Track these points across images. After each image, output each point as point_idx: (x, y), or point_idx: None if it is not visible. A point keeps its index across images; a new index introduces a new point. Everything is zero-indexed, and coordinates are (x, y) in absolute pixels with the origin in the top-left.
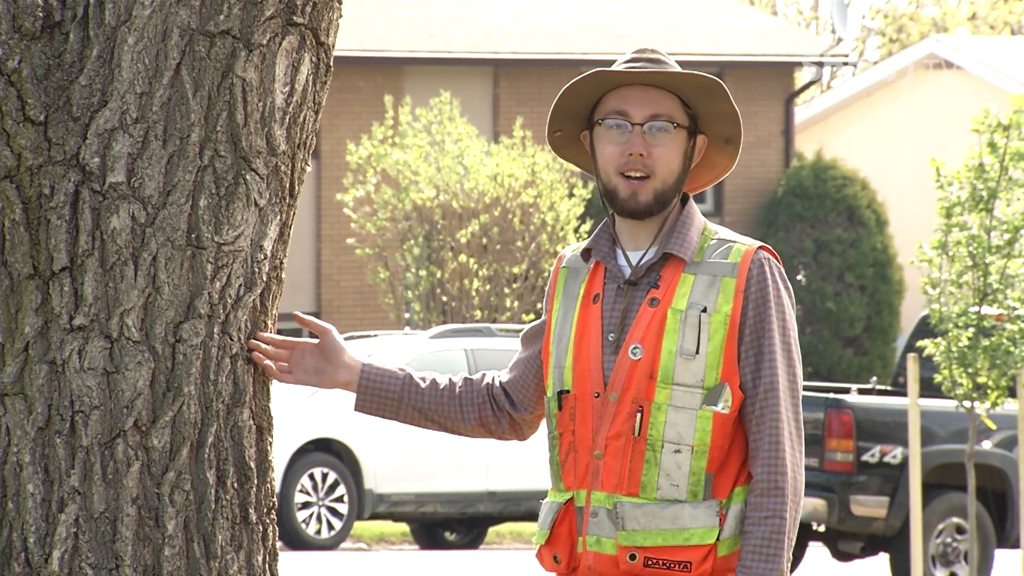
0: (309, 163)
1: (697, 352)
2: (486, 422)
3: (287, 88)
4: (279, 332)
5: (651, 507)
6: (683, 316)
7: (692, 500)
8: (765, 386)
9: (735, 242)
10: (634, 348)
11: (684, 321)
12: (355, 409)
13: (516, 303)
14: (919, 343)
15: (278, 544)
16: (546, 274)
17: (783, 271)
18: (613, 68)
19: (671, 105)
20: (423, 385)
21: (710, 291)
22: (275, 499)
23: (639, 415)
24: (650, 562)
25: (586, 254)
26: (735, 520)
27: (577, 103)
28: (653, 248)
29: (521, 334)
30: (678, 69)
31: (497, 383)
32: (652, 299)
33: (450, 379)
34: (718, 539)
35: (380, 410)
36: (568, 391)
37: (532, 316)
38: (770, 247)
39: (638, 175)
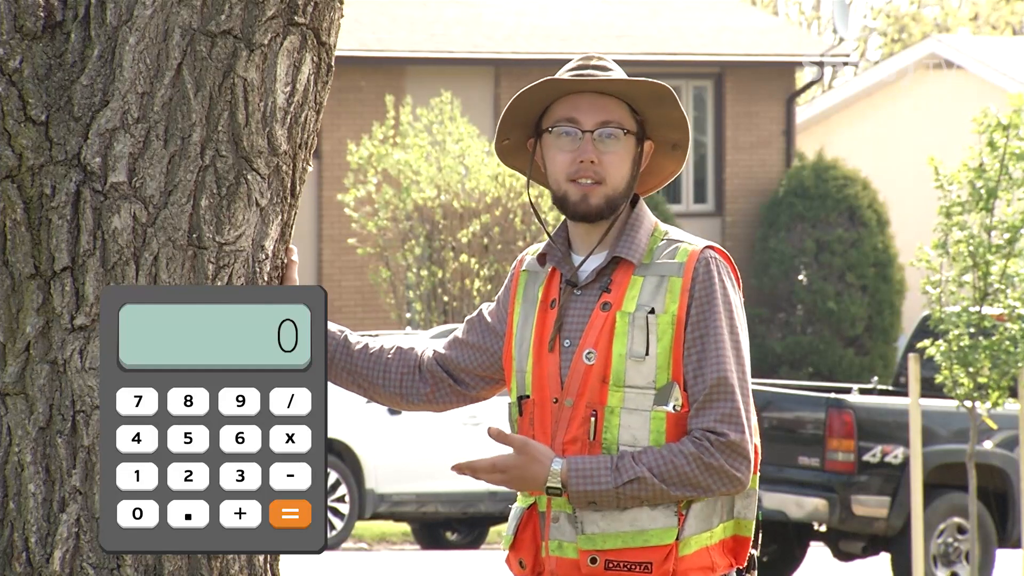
0: (310, 163)
1: (647, 354)
2: (405, 392)
3: (288, 88)
4: None
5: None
6: (631, 318)
7: None
8: (713, 381)
9: (683, 242)
10: (588, 353)
11: (633, 323)
12: None
13: None
14: (920, 343)
15: None
16: None
17: (732, 270)
18: (560, 75)
19: (620, 112)
20: (356, 347)
21: (658, 292)
22: None
23: (593, 419)
24: (611, 564)
25: (542, 259)
26: (696, 519)
27: (526, 111)
28: (603, 252)
29: (467, 318)
30: (624, 76)
31: (431, 356)
32: (604, 303)
33: (382, 344)
34: (679, 539)
35: None
36: (528, 396)
37: None
38: (719, 247)
39: (589, 181)
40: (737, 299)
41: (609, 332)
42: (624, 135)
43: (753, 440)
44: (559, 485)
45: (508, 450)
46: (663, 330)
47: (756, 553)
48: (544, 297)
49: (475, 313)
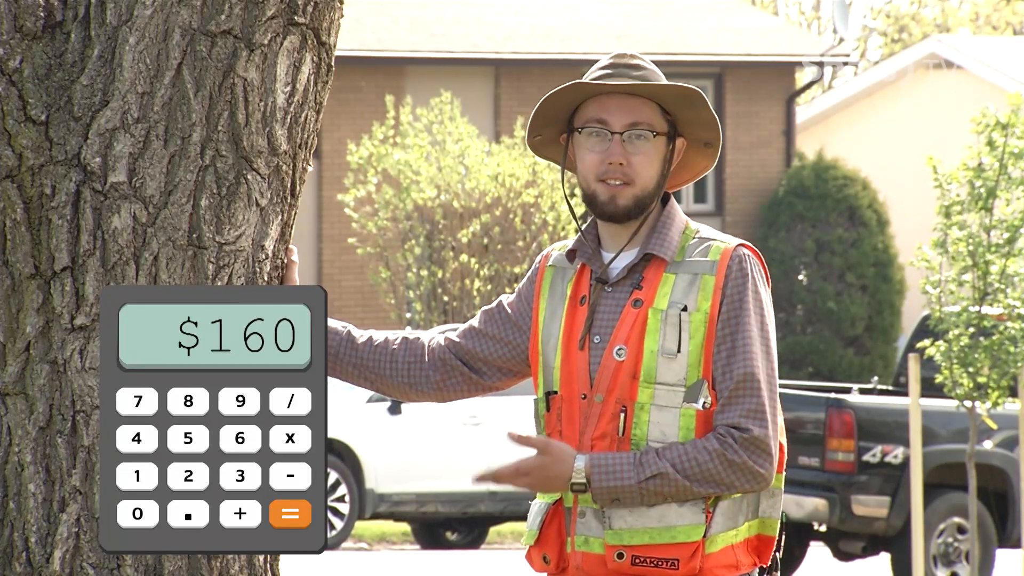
0: (310, 163)
1: (679, 351)
2: (414, 381)
3: (288, 88)
4: None
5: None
6: (664, 316)
7: None
8: (739, 376)
9: (715, 240)
10: (618, 349)
11: (665, 321)
12: None
13: None
14: (920, 343)
15: None
16: None
17: (763, 269)
18: (592, 74)
19: (650, 113)
20: (360, 341)
21: (690, 290)
22: None
23: (623, 415)
24: (637, 560)
25: (571, 255)
26: (722, 517)
27: (557, 109)
28: (634, 249)
29: (484, 308)
30: (656, 74)
31: (442, 344)
32: (636, 300)
33: (387, 336)
34: (705, 536)
35: None
36: (556, 392)
37: None
38: (751, 245)
39: (618, 182)
40: (768, 298)
41: (640, 329)
42: (654, 136)
43: (778, 438)
44: (584, 481)
45: (528, 452)
46: (695, 328)
47: (780, 555)
48: (574, 293)
49: (494, 304)
